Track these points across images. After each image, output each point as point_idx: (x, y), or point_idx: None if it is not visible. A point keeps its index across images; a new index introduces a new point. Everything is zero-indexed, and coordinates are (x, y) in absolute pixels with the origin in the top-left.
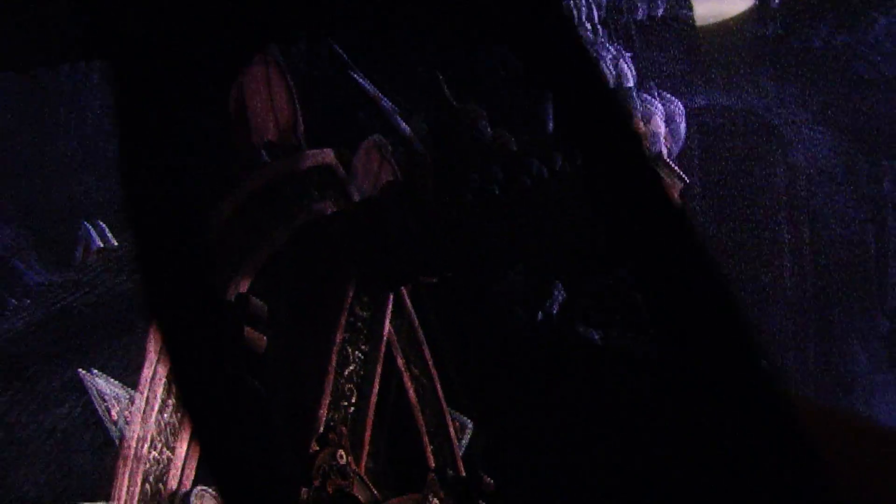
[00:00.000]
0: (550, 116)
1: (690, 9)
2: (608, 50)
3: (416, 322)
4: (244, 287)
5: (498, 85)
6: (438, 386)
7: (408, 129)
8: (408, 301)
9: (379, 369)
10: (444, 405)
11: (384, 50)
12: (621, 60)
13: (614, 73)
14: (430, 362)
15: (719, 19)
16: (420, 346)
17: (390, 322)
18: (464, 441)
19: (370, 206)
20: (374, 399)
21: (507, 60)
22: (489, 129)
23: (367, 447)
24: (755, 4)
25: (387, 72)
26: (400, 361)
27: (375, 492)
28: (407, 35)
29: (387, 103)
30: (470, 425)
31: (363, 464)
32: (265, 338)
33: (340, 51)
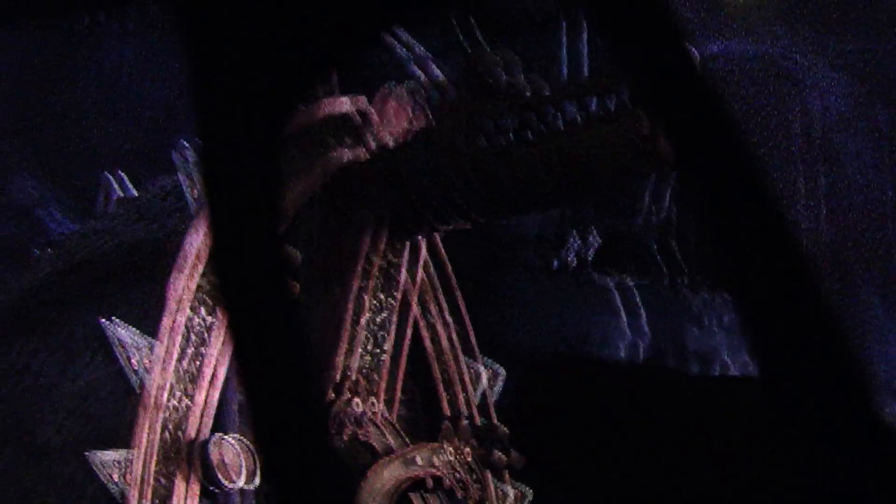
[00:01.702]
0: (585, 60)
1: None
2: None
3: (433, 270)
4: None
5: (530, 29)
6: (454, 335)
7: (440, 74)
8: (424, 249)
9: (395, 318)
10: (460, 354)
11: None
12: None
13: None
14: (447, 311)
15: None
16: (436, 294)
17: (406, 270)
18: (496, 388)
19: (392, 153)
20: (390, 347)
21: (537, 2)
22: (522, 75)
23: (385, 395)
24: None
25: (419, 17)
26: (416, 310)
27: (405, 439)
28: None
29: (419, 49)
30: (502, 372)
31: (395, 411)
32: (297, 285)
33: None
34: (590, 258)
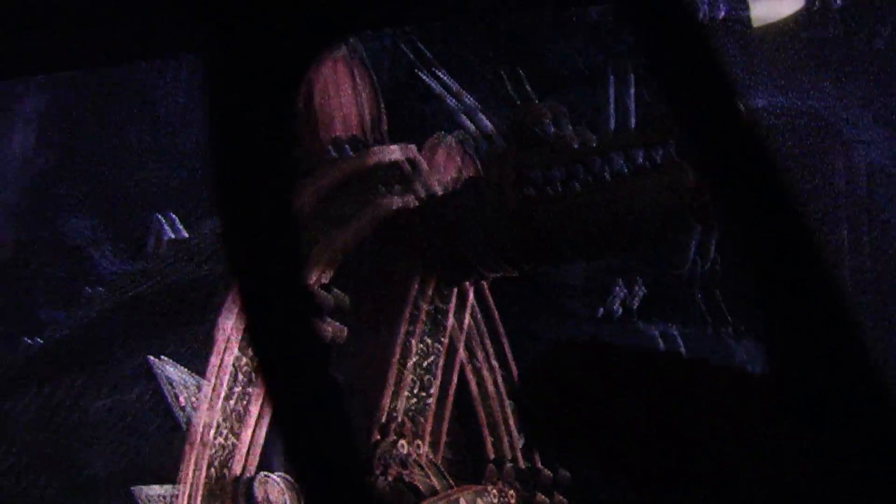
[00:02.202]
0: (632, 113)
1: (748, 10)
2: None
3: (479, 315)
4: (326, 278)
5: (579, 83)
6: (500, 379)
7: (489, 125)
8: (471, 295)
9: (441, 362)
10: (505, 398)
11: (464, 47)
12: None
13: None
14: (493, 356)
15: (777, 20)
16: (483, 340)
17: (454, 315)
18: None
19: (441, 201)
20: (435, 391)
21: (585, 57)
22: (570, 126)
23: (430, 437)
24: (814, 6)
25: (467, 68)
26: (462, 354)
27: (449, 480)
28: (487, 27)
29: (469, 99)
30: None
31: (440, 454)
32: (346, 329)
33: (422, 47)
34: (635, 307)
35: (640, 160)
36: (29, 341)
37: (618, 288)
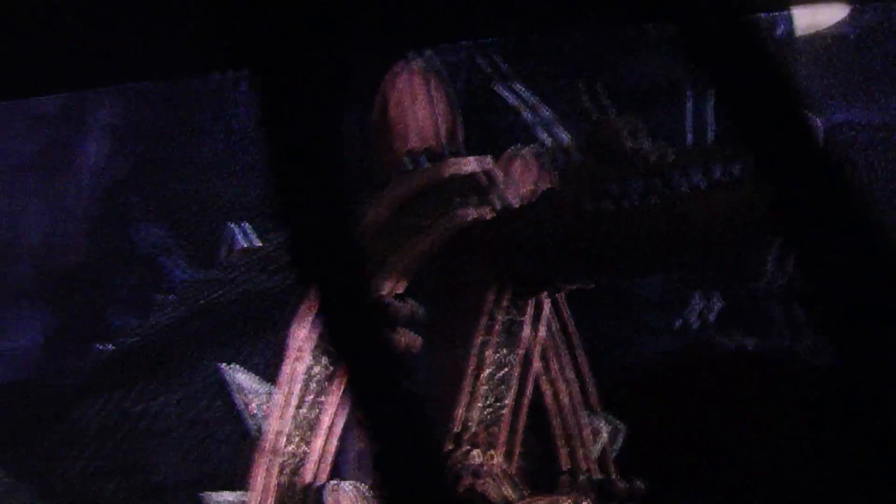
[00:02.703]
0: (713, 127)
1: (827, 25)
2: None
3: (555, 327)
4: (400, 288)
5: (657, 97)
6: (576, 390)
7: (566, 138)
8: (547, 307)
9: (516, 373)
10: (580, 409)
11: (541, 60)
12: None
13: None
14: (568, 367)
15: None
16: (558, 351)
17: (529, 327)
18: (616, 443)
19: (517, 213)
20: (510, 401)
21: (663, 71)
22: (647, 140)
23: (503, 448)
24: (887, 20)
25: (544, 81)
26: (537, 365)
27: (522, 491)
28: (566, 39)
29: (546, 112)
30: (623, 428)
31: (513, 464)
32: (419, 339)
33: (498, 60)
34: (712, 320)
35: (718, 174)
36: (100, 348)
37: (695, 300)
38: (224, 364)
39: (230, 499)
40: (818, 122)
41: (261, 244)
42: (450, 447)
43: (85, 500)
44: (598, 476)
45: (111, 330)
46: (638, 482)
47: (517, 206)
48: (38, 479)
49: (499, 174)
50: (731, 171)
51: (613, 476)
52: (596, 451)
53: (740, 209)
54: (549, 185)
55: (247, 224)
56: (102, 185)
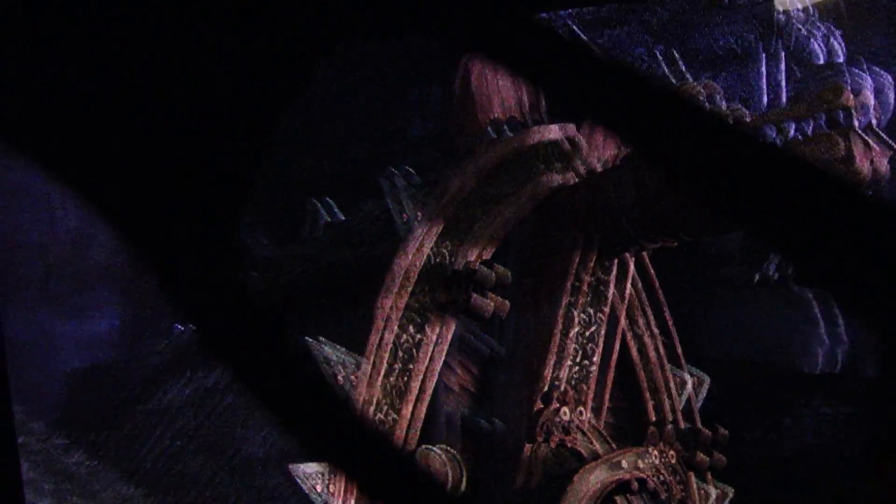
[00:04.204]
0: (783, 89)
1: None
2: (819, 28)
3: (640, 285)
4: (488, 254)
5: (732, 61)
6: (661, 345)
7: None
8: (632, 266)
9: (603, 331)
10: (665, 363)
11: (619, 29)
12: (832, 38)
13: (825, 49)
14: (654, 323)
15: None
16: (644, 308)
17: (615, 286)
18: (701, 394)
19: (601, 177)
20: (598, 358)
21: (738, 36)
22: (724, 102)
23: (592, 404)
24: None
25: (623, 50)
26: (624, 323)
27: (611, 444)
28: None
29: None
30: (707, 379)
31: (602, 419)
32: (508, 303)
33: (577, 30)
34: (790, 272)
35: (792, 133)
36: (181, 328)
37: (773, 254)
38: (309, 338)
39: (318, 469)
40: (888, 77)
41: (344, 218)
42: (540, 406)
43: (170, 478)
44: (683, 426)
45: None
46: (721, 430)
47: (600, 170)
48: (122, 461)
49: (582, 140)
50: (805, 130)
51: (698, 425)
52: (681, 402)
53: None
54: (617, 151)
55: (329, 199)
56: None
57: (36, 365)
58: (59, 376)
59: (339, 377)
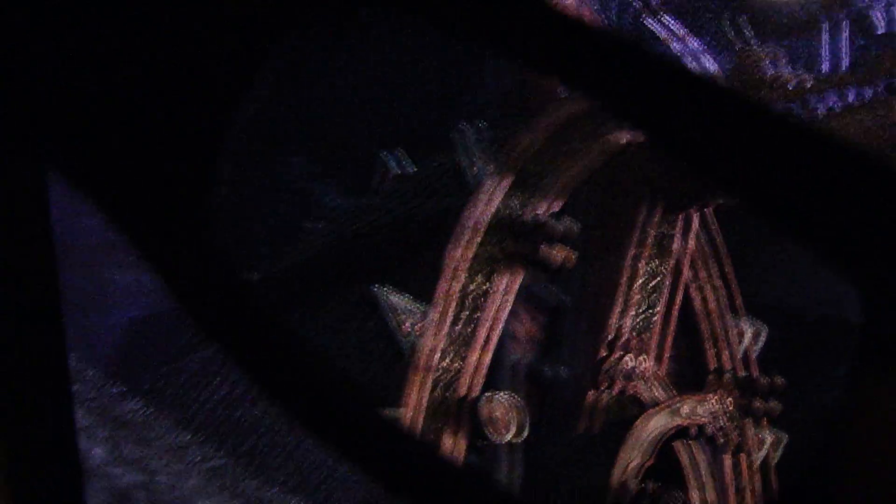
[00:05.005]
0: (847, 54)
1: None
2: None
3: (704, 238)
4: (556, 207)
5: (795, 28)
6: (722, 295)
7: (715, 67)
8: (696, 220)
9: (667, 282)
10: (727, 313)
11: None
12: (892, 7)
13: (887, 17)
14: (715, 275)
15: None
16: (706, 261)
17: (679, 239)
18: (759, 344)
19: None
20: (661, 308)
21: (801, 4)
22: (788, 67)
23: (654, 352)
24: None
25: (692, 14)
26: (687, 274)
27: (672, 391)
28: None
29: (694, 43)
30: (765, 329)
31: (663, 367)
32: (575, 254)
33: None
34: None
35: (852, 98)
36: (246, 276)
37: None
38: (376, 286)
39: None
40: None
41: (415, 171)
42: (604, 353)
43: (228, 426)
44: (742, 374)
45: (258, 258)
46: (778, 378)
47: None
48: (179, 408)
49: None
50: (864, 95)
51: (755, 374)
52: (740, 351)
53: (873, 128)
54: None
55: (400, 151)
56: (244, 117)
57: (93, 313)
58: (117, 325)
59: (406, 326)
